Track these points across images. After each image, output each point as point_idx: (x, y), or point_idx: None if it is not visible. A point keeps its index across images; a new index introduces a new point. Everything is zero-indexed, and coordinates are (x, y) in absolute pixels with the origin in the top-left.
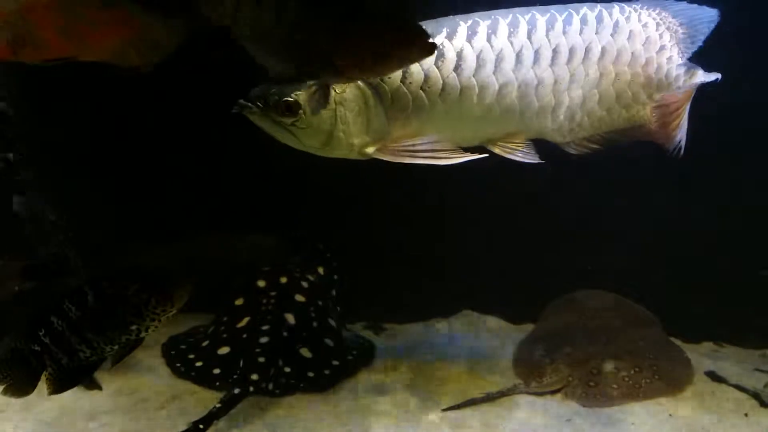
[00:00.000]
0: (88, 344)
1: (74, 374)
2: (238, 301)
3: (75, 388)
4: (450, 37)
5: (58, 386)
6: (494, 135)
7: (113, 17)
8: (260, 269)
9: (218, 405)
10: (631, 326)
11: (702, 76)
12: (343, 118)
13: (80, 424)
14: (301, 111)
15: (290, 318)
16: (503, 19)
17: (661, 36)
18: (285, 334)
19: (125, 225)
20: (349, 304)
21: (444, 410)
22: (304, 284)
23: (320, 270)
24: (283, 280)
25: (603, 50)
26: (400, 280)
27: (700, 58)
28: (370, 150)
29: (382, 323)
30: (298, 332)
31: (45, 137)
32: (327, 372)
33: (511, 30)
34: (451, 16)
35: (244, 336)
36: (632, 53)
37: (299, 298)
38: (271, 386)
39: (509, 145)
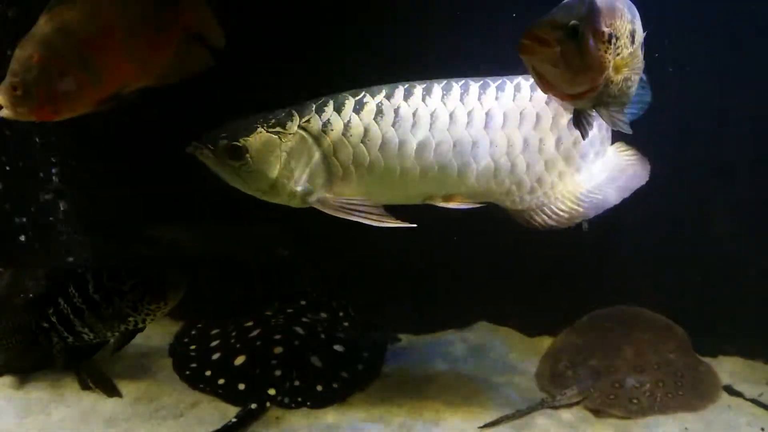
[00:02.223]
0: (90, 328)
1: (79, 353)
2: (248, 323)
3: (95, 395)
4: (388, 97)
5: (64, 362)
6: (436, 193)
7: (164, 30)
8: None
9: (234, 419)
10: (658, 340)
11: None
12: (287, 166)
13: (100, 431)
14: (247, 155)
15: (299, 329)
16: (438, 84)
17: None
18: (296, 342)
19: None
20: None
21: (480, 428)
22: (307, 318)
23: (323, 315)
24: (290, 310)
25: (538, 116)
26: (415, 291)
27: None
28: (312, 199)
29: (396, 334)
30: (308, 342)
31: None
32: (335, 385)
33: (444, 93)
34: (392, 84)
35: (258, 344)
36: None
37: (305, 319)
38: (287, 399)
39: (452, 203)
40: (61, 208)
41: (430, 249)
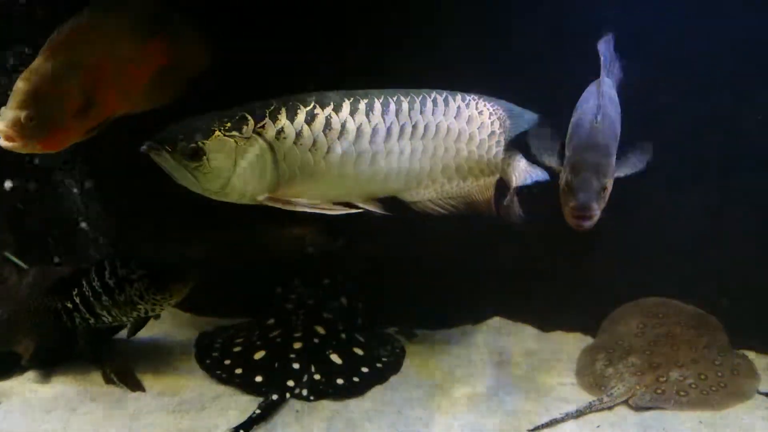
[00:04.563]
0: (107, 311)
1: (101, 334)
2: (270, 321)
3: (119, 389)
4: (336, 111)
5: (88, 343)
6: (366, 193)
7: (144, 61)
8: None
9: (258, 411)
10: (692, 331)
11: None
12: (240, 169)
13: (125, 424)
14: (204, 157)
15: (320, 329)
16: (377, 98)
17: (492, 123)
18: (316, 341)
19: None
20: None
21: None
22: (327, 313)
23: (343, 301)
24: (310, 302)
25: (447, 129)
26: (429, 287)
27: None
28: (261, 197)
29: (413, 329)
30: (328, 340)
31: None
32: (356, 379)
33: (384, 109)
34: (335, 91)
35: (278, 341)
36: (469, 134)
37: (327, 315)
38: (305, 392)
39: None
40: (89, 210)
41: (445, 246)
